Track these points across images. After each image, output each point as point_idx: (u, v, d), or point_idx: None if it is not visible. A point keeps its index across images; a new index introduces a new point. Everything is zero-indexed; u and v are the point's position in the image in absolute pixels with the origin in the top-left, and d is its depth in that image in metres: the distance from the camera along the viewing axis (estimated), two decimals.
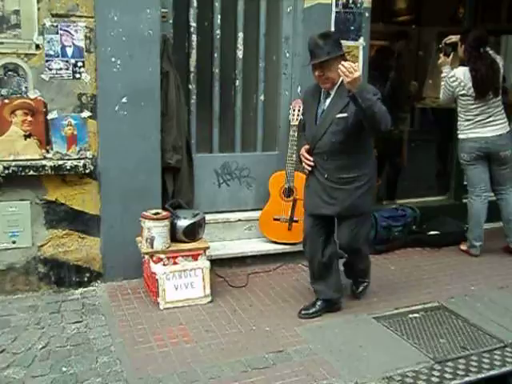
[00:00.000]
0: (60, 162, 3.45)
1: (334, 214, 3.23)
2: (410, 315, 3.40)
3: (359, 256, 3.46)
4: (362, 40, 4.21)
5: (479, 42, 4.23)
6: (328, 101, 3.16)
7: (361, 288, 3.63)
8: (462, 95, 4.28)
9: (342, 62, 2.84)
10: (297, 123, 4.14)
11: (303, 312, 3.35)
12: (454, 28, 4.55)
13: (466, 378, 2.74)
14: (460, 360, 2.89)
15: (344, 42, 4.05)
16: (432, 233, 4.80)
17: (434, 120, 5.69)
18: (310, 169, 3.24)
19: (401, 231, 4.69)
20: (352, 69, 2.78)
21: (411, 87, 5.56)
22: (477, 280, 3.99)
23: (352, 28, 4.14)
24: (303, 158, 3.28)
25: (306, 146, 3.27)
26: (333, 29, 4.08)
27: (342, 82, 2.95)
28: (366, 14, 4.18)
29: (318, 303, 3.37)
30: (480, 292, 3.77)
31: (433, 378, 2.72)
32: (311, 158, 3.22)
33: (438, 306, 3.53)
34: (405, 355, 2.93)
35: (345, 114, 3.05)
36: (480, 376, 2.77)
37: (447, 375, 2.75)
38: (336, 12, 4.08)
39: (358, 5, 4.13)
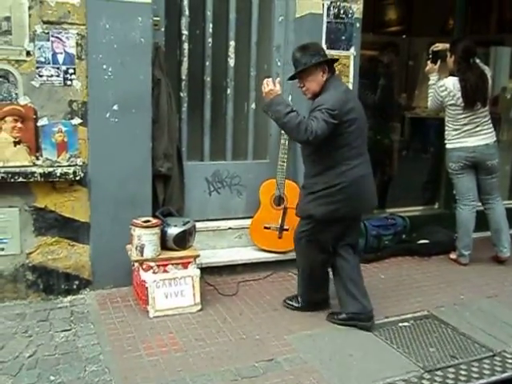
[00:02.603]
0: (50, 169, 3.44)
1: (296, 214, 3.43)
2: (400, 324, 3.40)
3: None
4: (352, 49, 4.23)
5: (468, 53, 4.28)
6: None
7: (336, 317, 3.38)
8: (451, 105, 4.32)
9: (265, 79, 3.14)
10: None
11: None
12: (443, 39, 4.59)
13: None
14: (449, 369, 2.90)
15: (335, 52, 4.12)
16: (422, 242, 4.82)
17: (424, 129, 5.72)
18: None
19: (391, 240, 4.71)
20: (266, 84, 3.11)
21: (401, 99, 5.60)
22: (466, 289, 4.00)
23: (343, 38, 4.17)
24: None
25: None
26: (324, 38, 4.11)
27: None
28: (357, 25, 4.21)
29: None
30: (469, 301, 3.79)
31: None
32: None
33: (428, 315, 3.54)
34: (394, 364, 2.93)
35: None
36: None
37: None
38: (327, 22, 4.10)
39: (349, 15, 4.16)
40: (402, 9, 5.81)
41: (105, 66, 3.50)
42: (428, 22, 5.57)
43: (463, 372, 2.87)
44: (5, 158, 3.36)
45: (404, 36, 5.80)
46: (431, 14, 5.53)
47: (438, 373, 2.86)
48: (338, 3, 4.13)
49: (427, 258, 4.70)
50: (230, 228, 4.30)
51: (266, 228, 4.22)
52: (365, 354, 3.01)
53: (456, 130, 4.36)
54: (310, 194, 3.23)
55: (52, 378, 2.68)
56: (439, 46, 4.42)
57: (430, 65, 4.44)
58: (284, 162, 4.14)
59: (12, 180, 3.32)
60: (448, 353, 3.07)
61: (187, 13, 4.00)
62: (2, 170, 3.31)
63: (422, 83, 5.65)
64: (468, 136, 4.33)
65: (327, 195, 3.16)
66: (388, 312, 3.55)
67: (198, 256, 3.58)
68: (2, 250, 3.43)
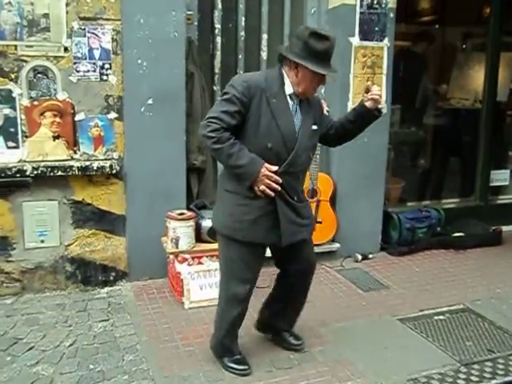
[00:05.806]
0: (87, 163, 3.51)
1: (308, 236, 2.75)
2: (436, 317, 3.38)
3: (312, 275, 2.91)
4: (386, 41, 4.18)
5: None
6: (299, 109, 2.55)
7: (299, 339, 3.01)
8: None
9: (374, 87, 2.62)
10: None
11: None
12: (479, 28, 4.50)
13: (493, 381, 2.71)
14: (486, 363, 2.87)
15: (368, 43, 4.09)
16: (457, 235, 4.76)
17: (459, 121, 5.63)
18: (273, 194, 2.47)
19: (425, 233, 4.66)
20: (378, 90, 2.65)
21: (441, 90, 5.50)
22: (503, 282, 3.94)
23: (376, 29, 4.12)
24: (269, 181, 2.44)
25: (269, 166, 2.44)
26: (357, 30, 4.07)
27: None
28: (391, 15, 4.16)
29: None
30: (506, 294, 3.73)
31: (459, 381, 2.70)
32: (280, 180, 2.47)
33: (464, 309, 3.51)
34: (430, 357, 2.91)
35: (316, 127, 2.61)
36: (507, 379, 2.74)
37: (474, 378, 2.73)
38: (360, 13, 4.06)
39: (383, 5, 4.11)
40: None
41: (140, 61, 3.54)
42: (462, 11, 5.46)
43: (500, 366, 2.84)
44: (44, 153, 3.44)
45: (437, 26, 5.71)
46: (466, 3, 5.42)
47: (475, 366, 2.83)
48: None
49: (462, 251, 4.63)
50: None
51: None
52: (400, 347, 3.00)
53: None
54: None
55: (91, 366, 2.75)
56: None
57: None
58: (317, 155, 4.12)
59: (51, 174, 3.40)
60: (485, 346, 3.04)
61: (220, 6, 4.01)
62: (42, 164, 3.40)
63: (456, 74, 5.56)
64: None
65: None
66: (423, 305, 3.53)
67: None
68: (43, 241, 3.52)
